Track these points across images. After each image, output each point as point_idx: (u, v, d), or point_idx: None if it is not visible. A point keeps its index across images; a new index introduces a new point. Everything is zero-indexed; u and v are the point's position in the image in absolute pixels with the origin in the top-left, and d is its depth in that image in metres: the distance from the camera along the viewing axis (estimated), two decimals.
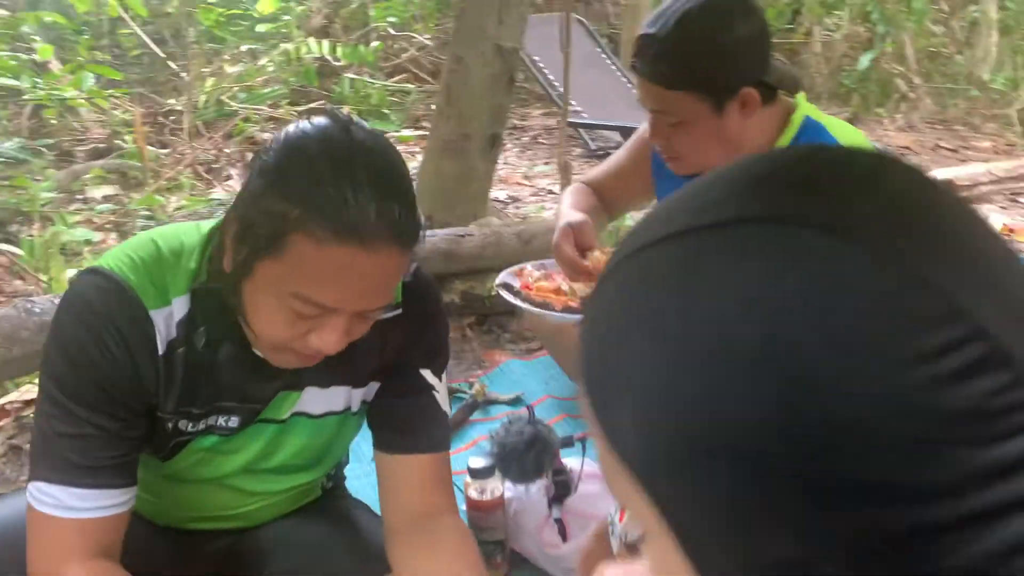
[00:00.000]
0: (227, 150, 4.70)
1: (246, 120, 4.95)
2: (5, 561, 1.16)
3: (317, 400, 1.24)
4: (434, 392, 1.28)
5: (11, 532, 1.19)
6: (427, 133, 5.38)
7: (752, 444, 0.34)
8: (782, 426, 0.33)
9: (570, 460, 1.65)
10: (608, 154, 4.94)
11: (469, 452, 1.91)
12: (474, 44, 2.93)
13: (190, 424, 1.18)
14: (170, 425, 1.17)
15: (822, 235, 0.35)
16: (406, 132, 5.37)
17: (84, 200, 3.97)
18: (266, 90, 5.52)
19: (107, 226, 3.61)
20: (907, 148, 4.99)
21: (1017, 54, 6.07)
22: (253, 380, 1.18)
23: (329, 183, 0.97)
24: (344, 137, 1.03)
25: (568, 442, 1.65)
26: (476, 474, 1.54)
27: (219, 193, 4.18)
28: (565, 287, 1.78)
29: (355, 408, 1.28)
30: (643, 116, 1.68)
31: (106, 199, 3.95)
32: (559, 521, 1.60)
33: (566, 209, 1.85)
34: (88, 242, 3.35)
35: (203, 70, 5.30)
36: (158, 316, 1.10)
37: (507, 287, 1.83)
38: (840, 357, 0.33)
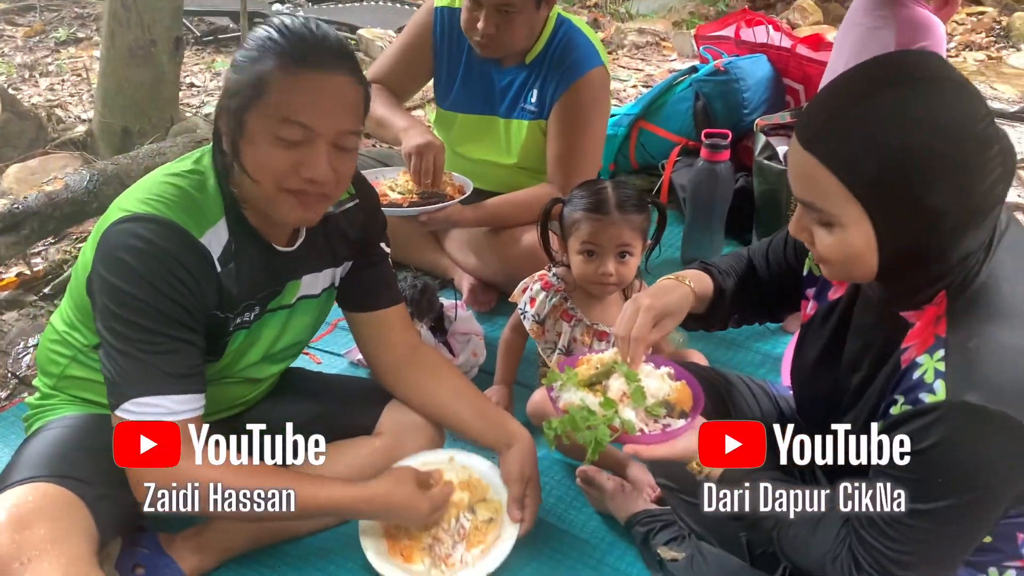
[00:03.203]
0: None
1: None
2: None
3: (314, 283, 1.60)
4: (389, 258, 1.72)
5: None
6: None
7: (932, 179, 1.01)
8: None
9: (444, 299, 2.18)
10: (216, 38, 4.99)
11: None
12: None
13: (231, 324, 1.47)
14: (227, 326, 1.46)
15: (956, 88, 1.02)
16: None
17: None
18: None
19: None
20: None
21: None
22: (271, 276, 1.50)
23: (291, 31, 1.31)
24: (287, 16, 1.38)
25: (444, 284, 2.16)
26: None
27: None
28: (386, 188, 2.20)
29: (336, 283, 1.66)
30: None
31: None
32: (446, 343, 2.14)
33: (400, 119, 2.25)
34: None
35: None
36: (206, 240, 1.37)
37: None
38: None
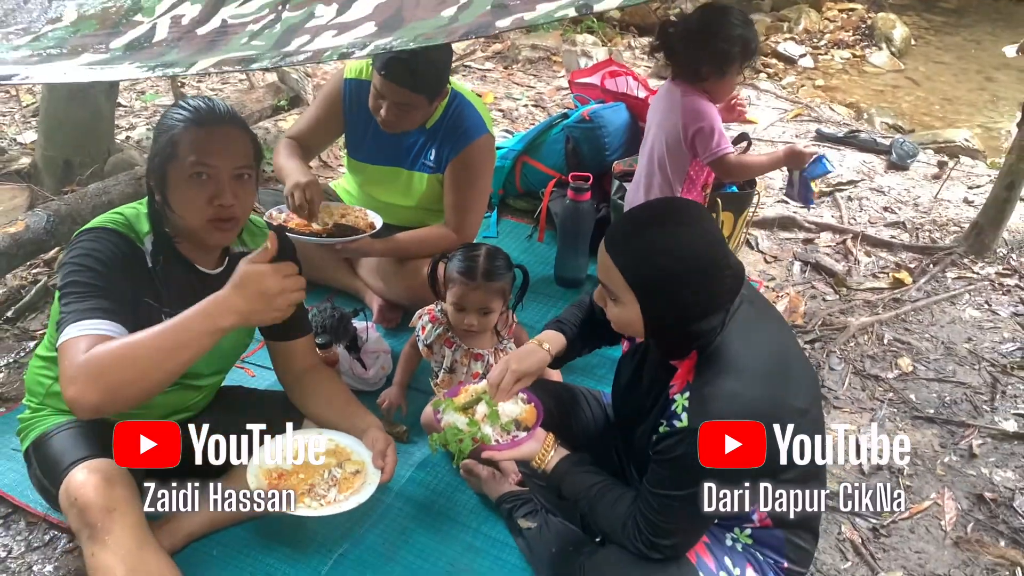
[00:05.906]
0: None
1: None
2: None
3: None
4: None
5: None
6: None
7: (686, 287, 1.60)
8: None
9: (357, 323, 2.70)
10: None
11: None
12: None
13: (164, 318, 1.85)
14: (160, 318, 1.85)
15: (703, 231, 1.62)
16: None
17: None
18: None
19: None
20: None
21: None
22: (197, 294, 1.73)
23: (192, 106, 1.82)
24: (187, 97, 1.90)
25: (355, 313, 2.67)
26: (321, 348, 2.50)
27: None
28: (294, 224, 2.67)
29: None
30: None
31: None
32: (359, 359, 2.66)
33: (291, 165, 2.69)
34: None
35: None
36: (142, 246, 1.87)
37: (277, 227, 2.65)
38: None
